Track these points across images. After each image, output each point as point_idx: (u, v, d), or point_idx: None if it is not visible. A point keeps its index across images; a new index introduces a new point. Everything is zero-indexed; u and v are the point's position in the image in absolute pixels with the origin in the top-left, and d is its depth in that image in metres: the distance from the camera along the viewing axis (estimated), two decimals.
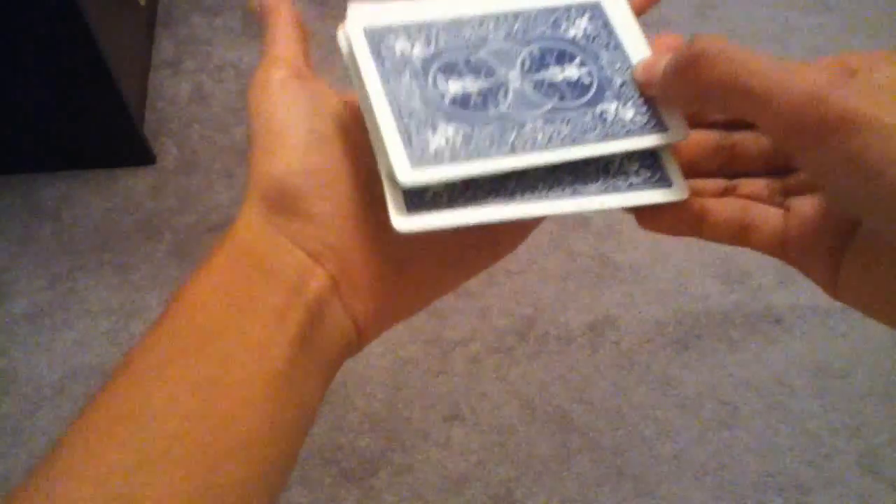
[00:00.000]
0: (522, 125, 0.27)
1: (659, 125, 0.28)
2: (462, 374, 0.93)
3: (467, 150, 0.26)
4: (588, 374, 0.93)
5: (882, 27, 1.22)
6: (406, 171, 0.25)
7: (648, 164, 0.28)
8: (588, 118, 0.28)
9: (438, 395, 0.92)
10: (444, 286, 0.30)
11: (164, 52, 1.20)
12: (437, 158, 0.26)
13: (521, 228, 0.31)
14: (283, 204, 0.27)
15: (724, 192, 0.30)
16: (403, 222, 0.25)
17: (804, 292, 0.96)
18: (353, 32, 0.28)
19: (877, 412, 0.91)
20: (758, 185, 0.29)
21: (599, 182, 0.28)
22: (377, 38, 0.28)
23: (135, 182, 1.08)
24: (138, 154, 1.08)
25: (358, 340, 0.29)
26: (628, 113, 0.28)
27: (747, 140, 0.30)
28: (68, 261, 1.02)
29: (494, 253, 0.31)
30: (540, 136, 0.27)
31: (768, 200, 0.29)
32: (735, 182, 0.30)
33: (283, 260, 0.27)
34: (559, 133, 0.27)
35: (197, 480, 0.23)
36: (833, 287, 0.27)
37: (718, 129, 0.30)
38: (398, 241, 0.27)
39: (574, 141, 0.27)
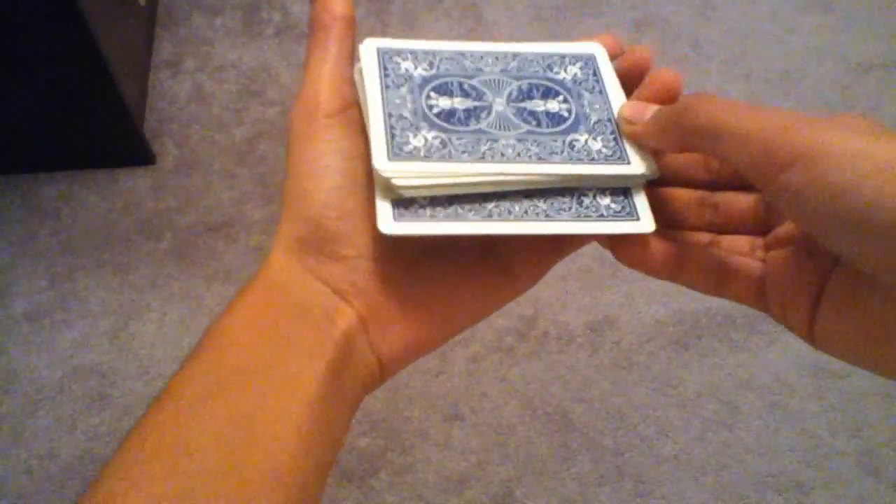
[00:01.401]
0: (496, 140, 0.30)
1: (623, 158, 0.31)
2: (462, 374, 0.93)
3: (441, 152, 0.29)
4: (588, 374, 0.93)
5: (882, 27, 1.22)
6: (383, 161, 0.28)
7: (619, 198, 0.31)
8: (558, 143, 0.31)
9: (438, 395, 0.92)
10: (463, 322, 0.31)
11: (164, 52, 1.20)
12: (413, 155, 0.29)
13: (538, 265, 0.32)
14: (316, 245, 0.29)
15: (709, 245, 0.31)
16: (388, 227, 0.28)
17: None
18: (367, 50, 0.32)
19: (877, 412, 0.91)
20: (741, 241, 0.31)
21: (572, 210, 0.30)
22: (387, 56, 0.32)
23: (135, 182, 1.08)
24: (138, 154, 1.08)
25: (380, 375, 0.30)
26: (596, 145, 0.31)
27: (730, 199, 0.32)
28: (68, 261, 1.02)
29: (511, 289, 0.32)
30: (510, 151, 0.30)
31: (750, 255, 0.30)
32: (719, 238, 0.31)
33: (312, 298, 0.28)
34: (528, 151, 0.30)
35: None
36: (811, 334, 0.28)
37: (704, 188, 0.32)
38: (421, 281, 0.29)
39: (540, 159, 0.30)
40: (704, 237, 0.32)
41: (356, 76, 0.32)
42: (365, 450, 0.89)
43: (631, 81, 0.33)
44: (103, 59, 0.94)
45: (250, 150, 1.10)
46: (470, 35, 1.21)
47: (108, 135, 1.06)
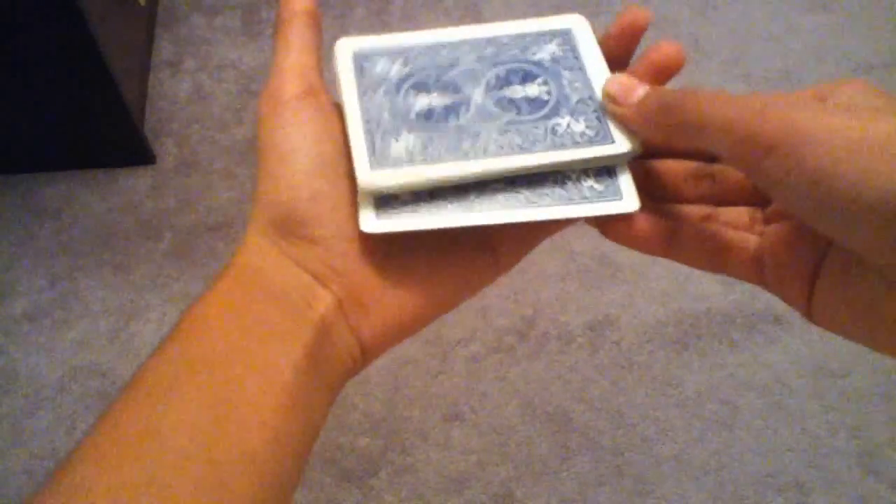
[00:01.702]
0: (478, 135, 0.30)
1: (606, 138, 0.30)
2: (462, 374, 0.93)
3: (423, 155, 0.29)
4: (588, 374, 0.93)
5: (882, 27, 1.22)
6: (366, 173, 0.28)
7: (602, 178, 0.30)
8: (540, 130, 0.30)
9: (438, 395, 0.92)
10: (446, 302, 0.31)
11: (164, 52, 1.20)
12: (396, 163, 0.29)
13: (522, 242, 0.32)
14: (289, 228, 0.28)
15: (705, 219, 0.31)
16: (370, 224, 0.28)
17: None
18: (340, 53, 0.32)
19: (877, 412, 0.91)
20: (739, 212, 0.30)
21: (555, 195, 0.30)
22: (361, 59, 0.32)
23: (135, 182, 1.08)
24: (138, 154, 1.08)
25: (362, 359, 0.29)
26: (579, 126, 0.31)
27: (728, 169, 0.31)
28: (68, 261, 1.02)
29: (494, 268, 0.31)
30: (492, 146, 0.30)
31: (748, 229, 0.30)
32: (717, 210, 0.31)
33: (289, 282, 0.28)
34: (510, 143, 0.30)
35: (207, 497, 0.23)
36: (808, 310, 0.27)
37: (701, 159, 0.31)
38: (400, 261, 0.29)
39: (523, 150, 0.30)
40: (701, 210, 0.31)
41: (336, 73, 0.32)
42: (365, 450, 0.89)
43: (623, 44, 0.32)
44: (103, 59, 0.94)
45: (250, 150, 1.10)
46: None
47: (108, 135, 1.06)
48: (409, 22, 1.22)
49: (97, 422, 0.25)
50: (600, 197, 0.30)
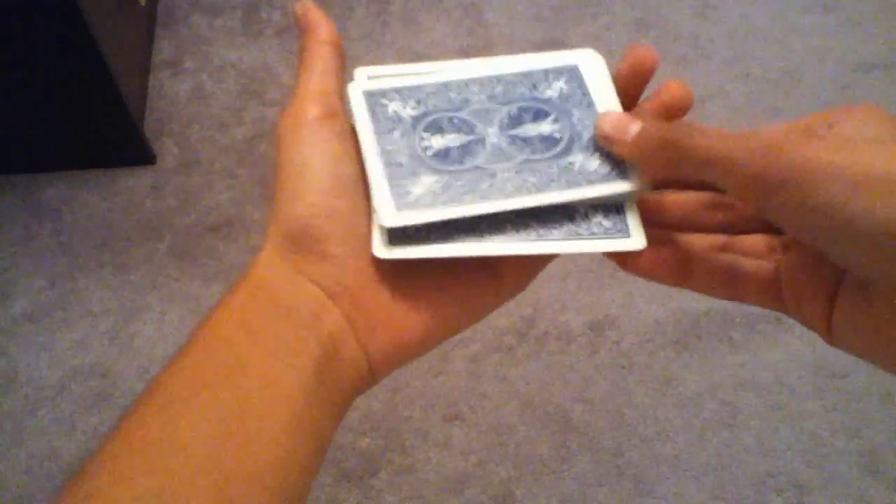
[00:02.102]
0: (494, 175, 0.31)
1: (621, 174, 0.31)
2: (462, 374, 0.93)
3: (444, 197, 0.30)
4: (588, 374, 0.93)
5: (882, 27, 1.22)
6: (389, 215, 0.29)
7: (611, 215, 0.31)
8: (554, 169, 0.31)
9: (438, 395, 0.92)
10: (452, 325, 0.31)
11: (164, 52, 1.20)
12: (417, 205, 0.29)
13: (525, 269, 0.33)
14: (304, 244, 0.29)
15: (722, 249, 0.31)
16: (383, 251, 0.29)
17: None
18: (353, 95, 0.32)
19: (877, 412, 0.91)
20: (755, 240, 0.31)
21: (564, 229, 0.31)
22: (374, 100, 0.32)
23: (135, 182, 1.08)
24: (138, 154, 1.08)
25: (370, 376, 0.30)
26: (593, 164, 0.31)
27: None
28: (68, 261, 1.02)
29: (499, 293, 0.32)
30: (509, 186, 0.30)
31: (765, 256, 0.30)
32: (734, 239, 0.31)
33: (300, 297, 0.28)
34: (526, 182, 0.31)
35: None
36: (828, 333, 0.28)
37: (709, 188, 0.32)
38: (410, 283, 0.30)
39: (539, 190, 0.30)
40: (717, 239, 0.31)
41: (350, 114, 0.33)
42: (365, 450, 0.89)
43: (631, 84, 0.33)
44: (103, 59, 0.94)
45: (250, 150, 1.10)
46: (470, 35, 1.21)
47: (108, 135, 1.06)
48: (409, 23, 1.22)
49: (111, 433, 0.25)
50: (607, 234, 0.31)
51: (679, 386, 0.93)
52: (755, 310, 0.97)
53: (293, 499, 0.26)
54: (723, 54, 1.19)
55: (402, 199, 0.29)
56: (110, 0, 1.03)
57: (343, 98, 0.32)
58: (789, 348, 0.94)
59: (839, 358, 0.93)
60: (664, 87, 0.31)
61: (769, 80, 1.16)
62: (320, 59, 0.32)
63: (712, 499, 0.87)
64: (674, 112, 0.31)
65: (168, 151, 1.11)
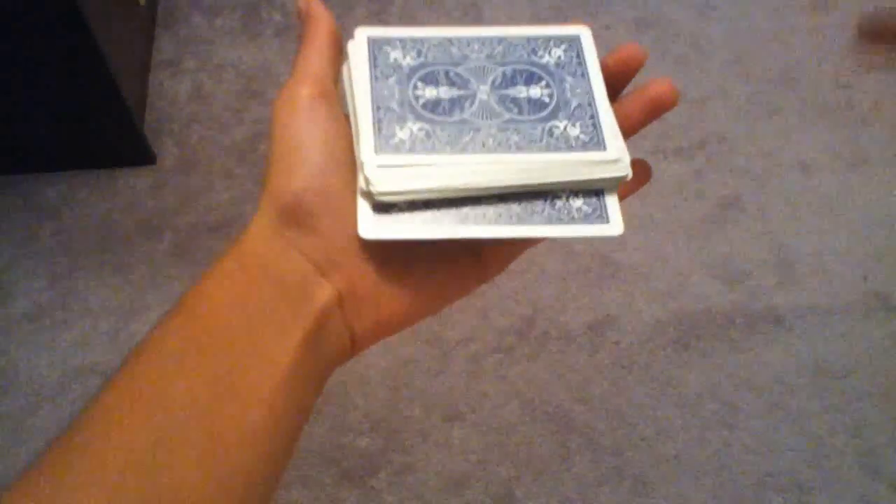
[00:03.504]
0: (479, 130, 0.31)
1: (599, 144, 0.31)
2: (462, 374, 0.93)
3: (425, 145, 0.31)
4: (588, 374, 0.93)
5: None
6: (370, 154, 0.30)
7: (591, 200, 0.31)
8: (537, 131, 0.32)
9: (438, 395, 0.92)
10: (434, 304, 0.32)
11: (164, 52, 1.20)
12: (398, 147, 0.30)
13: (507, 252, 0.33)
14: (297, 218, 0.29)
15: None
16: (368, 231, 0.29)
17: (804, 292, 0.96)
18: (357, 38, 0.33)
19: (877, 412, 0.91)
20: None
21: (545, 213, 0.31)
22: (377, 46, 0.33)
23: (135, 182, 1.08)
24: (138, 154, 1.08)
25: (352, 350, 0.31)
26: (574, 131, 0.32)
27: None
28: (68, 261, 1.02)
29: (481, 274, 0.33)
30: (491, 141, 0.31)
31: None
32: None
33: (292, 270, 0.29)
34: (508, 140, 0.31)
35: (208, 464, 0.25)
36: None
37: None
38: (397, 261, 0.30)
39: (520, 149, 0.31)
40: None
41: (343, 73, 0.33)
42: (365, 450, 0.89)
43: (616, 78, 0.33)
44: (103, 59, 0.94)
45: (250, 150, 1.10)
46: None
47: (108, 135, 1.06)
48: (410, 22, 1.22)
49: (105, 387, 0.26)
50: (587, 219, 0.31)
51: (679, 386, 0.93)
52: (755, 310, 0.97)
53: (278, 460, 0.27)
54: (723, 54, 1.19)
55: (384, 141, 0.30)
56: (110, 0, 1.03)
57: (336, 83, 0.33)
58: (789, 348, 0.94)
59: (839, 358, 0.93)
60: (652, 82, 0.32)
61: (769, 80, 1.16)
62: (318, 45, 0.33)
63: (712, 499, 0.87)
64: (658, 109, 0.32)
65: (168, 151, 1.11)
